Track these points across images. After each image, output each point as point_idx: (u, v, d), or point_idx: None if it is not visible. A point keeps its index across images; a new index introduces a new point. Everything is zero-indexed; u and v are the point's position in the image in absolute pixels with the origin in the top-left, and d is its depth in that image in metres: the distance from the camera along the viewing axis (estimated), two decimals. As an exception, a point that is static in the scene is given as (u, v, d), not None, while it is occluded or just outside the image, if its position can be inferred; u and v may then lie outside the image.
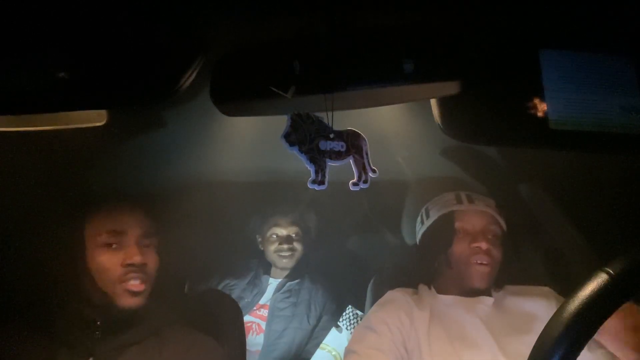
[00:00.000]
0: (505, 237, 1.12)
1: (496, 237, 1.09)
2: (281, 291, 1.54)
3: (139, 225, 0.92)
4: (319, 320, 1.51)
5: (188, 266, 1.49)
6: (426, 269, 1.16)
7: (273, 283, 1.57)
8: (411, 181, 1.38)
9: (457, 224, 1.10)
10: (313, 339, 1.48)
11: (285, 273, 1.59)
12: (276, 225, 1.58)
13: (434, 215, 1.16)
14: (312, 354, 1.43)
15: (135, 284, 0.87)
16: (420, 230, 1.21)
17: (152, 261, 0.92)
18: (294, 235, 1.58)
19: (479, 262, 1.04)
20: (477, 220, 1.09)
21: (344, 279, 1.63)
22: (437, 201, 1.18)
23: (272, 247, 1.57)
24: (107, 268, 0.86)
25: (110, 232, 0.88)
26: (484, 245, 1.05)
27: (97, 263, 0.86)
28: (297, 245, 1.57)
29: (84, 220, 0.90)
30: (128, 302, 0.86)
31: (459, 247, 1.08)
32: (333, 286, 1.59)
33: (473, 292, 1.07)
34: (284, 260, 1.56)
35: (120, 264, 0.87)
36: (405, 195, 1.37)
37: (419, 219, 1.23)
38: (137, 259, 0.87)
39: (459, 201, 1.14)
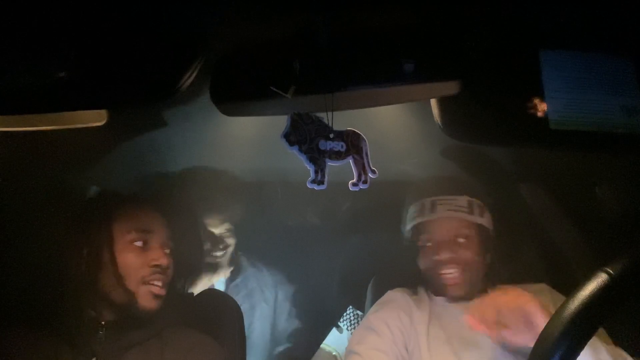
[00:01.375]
0: (483, 231, 1.08)
1: (467, 238, 1.05)
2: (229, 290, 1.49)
3: (164, 229, 0.93)
4: (276, 297, 1.50)
5: (188, 266, 1.49)
6: (415, 275, 1.16)
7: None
8: (411, 181, 1.38)
9: (422, 237, 1.08)
10: (280, 317, 1.47)
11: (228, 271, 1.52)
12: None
13: (406, 229, 1.16)
14: (311, 354, 1.43)
15: (158, 286, 0.87)
16: (404, 239, 1.21)
17: (172, 266, 0.92)
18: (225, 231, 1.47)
19: (444, 273, 1.03)
20: (440, 229, 1.06)
21: (344, 279, 1.63)
22: (409, 213, 1.16)
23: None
24: (134, 267, 0.86)
25: (140, 230, 0.88)
26: (444, 256, 1.02)
27: (125, 260, 0.86)
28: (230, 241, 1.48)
29: (111, 218, 0.89)
30: (149, 303, 0.86)
31: (425, 261, 1.07)
32: (274, 262, 1.56)
33: (458, 298, 1.05)
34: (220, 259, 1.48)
35: (147, 265, 0.87)
36: (405, 195, 1.37)
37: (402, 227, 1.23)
38: (163, 261, 0.88)
39: (422, 212, 1.11)
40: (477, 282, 1.06)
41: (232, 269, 1.52)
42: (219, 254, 1.47)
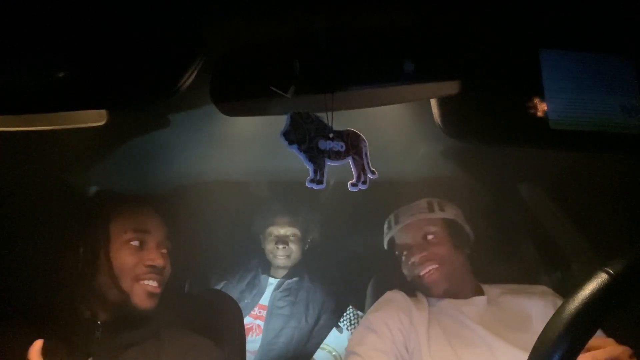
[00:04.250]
0: (450, 223, 1.13)
1: (435, 234, 1.10)
2: (280, 290, 1.54)
3: (161, 229, 0.93)
4: (317, 320, 1.51)
5: (188, 266, 1.49)
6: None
7: (273, 283, 1.57)
8: (411, 181, 1.38)
9: (395, 249, 1.16)
10: (312, 338, 1.48)
11: (284, 272, 1.59)
12: (273, 224, 1.58)
13: (385, 246, 1.22)
14: (311, 354, 1.43)
15: (153, 285, 0.88)
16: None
17: (168, 266, 0.93)
18: (290, 235, 1.58)
19: (423, 273, 1.07)
20: (406, 235, 1.13)
21: (344, 279, 1.63)
22: (384, 230, 1.23)
23: (269, 246, 1.57)
24: (129, 266, 0.87)
25: (136, 230, 0.89)
26: (418, 257, 1.08)
27: (120, 260, 0.87)
28: (293, 246, 1.57)
29: (109, 218, 0.90)
30: (144, 302, 0.87)
31: (406, 270, 1.13)
32: (332, 286, 1.59)
33: (458, 294, 1.08)
34: (279, 260, 1.56)
35: (143, 264, 0.88)
36: (405, 195, 1.37)
37: None
38: (159, 262, 0.89)
39: (389, 227, 1.19)
40: (461, 276, 1.09)
41: (292, 273, 1.58)
42: (280, 254, 1.55)
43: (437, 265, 1.07)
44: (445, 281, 1.07)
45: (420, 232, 1.11)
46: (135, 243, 0.89)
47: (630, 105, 0.65)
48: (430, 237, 1.10)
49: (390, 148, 1.06)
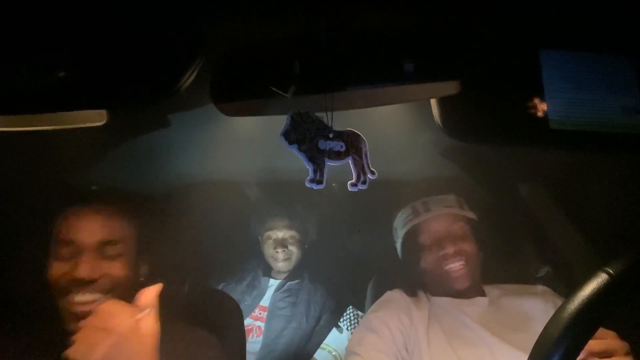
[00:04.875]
0: (475, 224, 1.12)
1: (464, 231, 1.09)
2: (280, 291, 1.53)
3: (97, 234, 0.83)
4: (318, 320, 1.51)
5: (188, 266, 1.49)
6: (414, 279, 1.17)
7: (273, 284, 1.57)
8: (410, 181, 1.38)
9: (421, 237, 1.11)
10: (313, 339, 1.48)
11: (285, 274, 1.59)
12: (272, 228, 1.57)
13: (400, 234, 1.18)
14: (312, 354, 1.43)
15: (83, 304, 0.79)
16: (397, 246, 1.22)
17: (114, 274, 0.83)
18: (289, 238, 1.57)
19: (451, 267, 1.05)
20: (439, 226, 1.10)
21: (344, 279, 1.63)
22: (399, 218, 1.19)
23: (269, 251, 1.57)
24: (56, 279, 0.80)
25: (60, 241, 0.82)
26: (450, 250, 1.06)
27: (51, 274, 0.81)
28: (293, 249, 1.56)
29: (52, 226, 0.84)
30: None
31: (429, 258, 1.09)
32: (333, 286, 1.59)
33: (462, 294, 1.07)
34: (280, 264, 1.55)
35: (66, 278, 0.80)
36: (405, 195, 1.37)
37: (394, 236, 1.24)
38: (83, 273, 0.79)
39: (416, 214, 1.14)
40: (478, 276, 1.09)
41: (292, 274, 1.58)
42: (280, 257, 1.55)
43: (464, 262, 1.05)
44: (469, 279, 1.06)
45: (453, 225, 1.09)
46: (63, 255, 0.82)
47: (630, 105, 0.65)
48: (460, 232, 1.09)
49: (390, 148, 1.06)
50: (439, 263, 1.07)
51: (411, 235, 1.14)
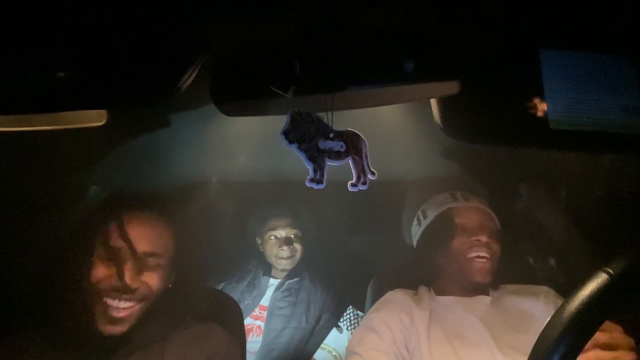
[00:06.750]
0: (500, 235, 1.13)
1: (493, 233, 1.10)
2: (280, 290, 1.53)
3: (146, 245, 0.85)
4: (318, 320, 1.51)
5: (187, 266, 1.49)
6: (426, 269, 1.17)
7: (273, 283, 1.57)
8: (411, 181, 1.38)
9: (457, 220, 1.12)
10: (312, 338, 1.48)
11: (285, 273, 1.59)
12: (275, 227, 1.57)
13: (431, 215, 1.18)
14: (311, 354, 1.43)
15: (118, 309, 0.80)
16: (417, 231, 1.21)
17: (152, 284, 0.85)
18: (293, 236, 1.57)
19: (479, 255, 1.06)
20: (475, 216, 1.12)
21: (344, 279, 1.63)
22: (433, 201, 1.20)
23: (273, 250, 1.57)
24: (95, 282, 0.81)
25: (108, 245, 0.83)
26: (483, 238, 1.06)
27: (91, 274, 0.81)
28: (297, 246, 1.57)
29: (96, 228, 0.85)
30: (107, 329, 0.80)
31: (459, 241, 1.09)
32: (333, 286, 1.59)
33: (473, 289, 1.07)
34: (284, 262, 1.55)
35: (111, 282, 0.81)
36: (405, 195, 1.37)
37: (415, 221, 1.24)
38: (127, 280, 0.81)
39: (455, 199, 1.17)
40: (493, 276, 1.09)
41: (292, 273, 1.58)
42: (284, 255, 1.55)
43: (489, 256, 1.06)
44: (490, 275, 1.06)
45: (487, 221, 1.12)
46: (107, 259, 0.82)
47: (630, 105, 0.65)
48: (494, 229, 1.11)
49: (390, 148, 1.06)
50: (468, 249, 1.07)
51: (445, 217, 1.14)
